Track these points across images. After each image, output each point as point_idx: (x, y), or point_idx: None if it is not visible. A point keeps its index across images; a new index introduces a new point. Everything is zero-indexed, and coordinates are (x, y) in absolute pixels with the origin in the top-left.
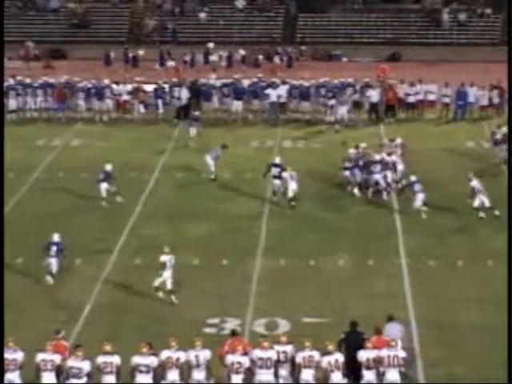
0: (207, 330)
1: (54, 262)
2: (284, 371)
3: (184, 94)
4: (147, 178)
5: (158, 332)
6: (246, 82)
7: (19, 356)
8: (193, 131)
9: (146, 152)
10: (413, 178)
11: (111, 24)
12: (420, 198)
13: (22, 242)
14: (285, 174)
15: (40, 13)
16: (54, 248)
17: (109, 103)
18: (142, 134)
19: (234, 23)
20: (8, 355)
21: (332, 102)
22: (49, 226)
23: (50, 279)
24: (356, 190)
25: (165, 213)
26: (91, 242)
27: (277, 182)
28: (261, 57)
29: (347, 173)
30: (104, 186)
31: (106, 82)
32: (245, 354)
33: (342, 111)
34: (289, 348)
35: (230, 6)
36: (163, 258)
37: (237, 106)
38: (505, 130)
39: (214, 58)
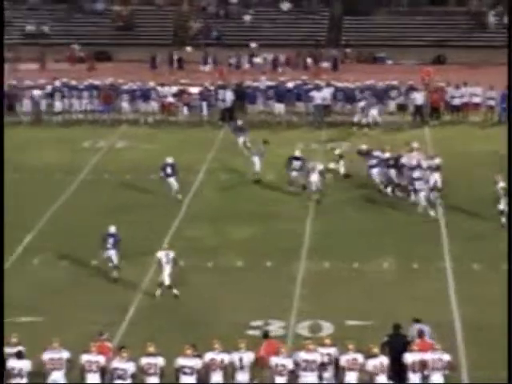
0: (251, 332)
1: (113, 254)
2: (328, 373)
3: (229, 96)
4: (192, 180)
5: (201, 334)
6: (290, 85)
7: (64, 355)
8: (241, 141)
9: (190, 154)
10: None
11: (156, 26)
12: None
13: (67, 243)
14: (310, 165)
15: (86, 15)
16: (111, 240)
17: (154, 105)
18: (187, 136)
19: (278, 26)
20: (53, 355)
21: (362, 104)
22: (94, 226)
23: (116, 273)
24: (389, 189)
25: (209, 214)
26: (136, 243)
27: (294, 173)
28: (309, 60)
29: (375, 170)
30: (172, 180)
31: (152, 84)
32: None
33: (373, 113)
34: (333, 350)
35: (275, 8)
36: (158, 254)
37: (279, 108)
38: None
39: (258, 60)
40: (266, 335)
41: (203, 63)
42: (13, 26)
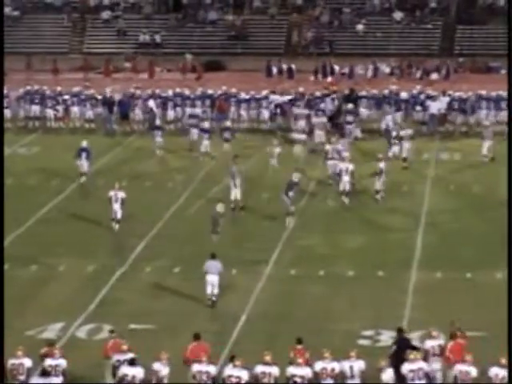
0: (362, 341)
1: (84, 164)
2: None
3: (331, 104)
4: (303, 189)
5: (312, 342)
6: (404, 94)
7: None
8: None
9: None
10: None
11: (269, 36)
12: None
13: (180, 250)
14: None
15: (199, 25)
16: (84, 153)
17: (265, 113)
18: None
19: (391, 35)
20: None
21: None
22: (202, 232)
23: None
24: None
25: (321, 223)
26: (247, 252)
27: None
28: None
29: None
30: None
31: (264, 92)
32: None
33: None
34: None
35: (388, 17)
36: (109, 193)
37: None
38: None
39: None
40: (196, 337)
41: (322, 73)
42: (127, 35)
